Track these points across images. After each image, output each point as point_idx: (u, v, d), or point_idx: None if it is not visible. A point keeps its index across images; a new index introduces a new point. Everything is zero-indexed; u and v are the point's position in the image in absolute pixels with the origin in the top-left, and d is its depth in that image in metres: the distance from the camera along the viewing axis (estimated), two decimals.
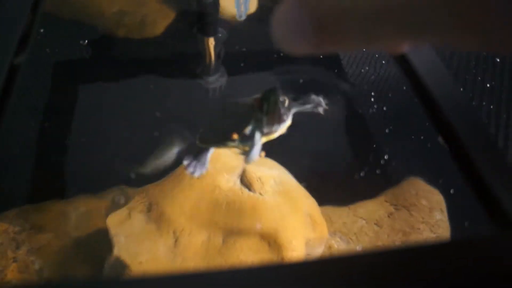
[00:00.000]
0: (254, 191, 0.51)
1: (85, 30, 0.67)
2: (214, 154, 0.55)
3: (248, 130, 0.35)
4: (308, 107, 0.38)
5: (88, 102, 0.61)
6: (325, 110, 0.38)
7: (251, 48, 0.62)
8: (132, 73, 0.63)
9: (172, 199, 0.51)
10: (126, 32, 0.70)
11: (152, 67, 0.66)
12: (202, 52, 0.60)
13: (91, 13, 0.70)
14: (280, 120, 0.35)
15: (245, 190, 0.51)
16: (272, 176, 0.53)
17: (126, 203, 0.52)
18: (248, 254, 0.47)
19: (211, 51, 0.58)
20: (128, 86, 0.64)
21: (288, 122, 0.36)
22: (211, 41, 0.58)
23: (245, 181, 0.53)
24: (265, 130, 0.35)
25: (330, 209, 0.56)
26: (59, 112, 0.60)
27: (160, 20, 0.71)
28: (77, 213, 0.54)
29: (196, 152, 0.41)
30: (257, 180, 0.52)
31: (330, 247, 0.54)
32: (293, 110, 0.36)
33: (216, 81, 0.57)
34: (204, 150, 0.41)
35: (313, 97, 0.38)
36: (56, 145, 0.59)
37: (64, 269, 0.52)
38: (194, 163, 0.41)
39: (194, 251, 0.49)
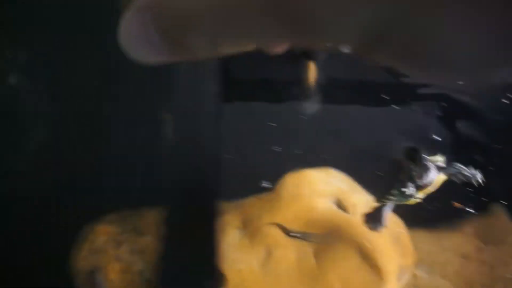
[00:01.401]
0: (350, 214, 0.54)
1: None
2: (309, 178, 0.57)
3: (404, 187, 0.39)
4: (460, 177, 0.41)
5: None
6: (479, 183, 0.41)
7: (352, 77, 0.64)
8: (231, 94, 0.66)
9: (268, 215, 0.53)
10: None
11: (250, 89, 0.68)
12: (301, 76, 0.62)
13: None
14: (427, 172, 0.39)
15: (341, 212, 0.53)
16: (365, 201, 0.55)
17: (223, 215, 0.55)
18: (347, 273, 0.49)
19: (311, 75, 0.60)
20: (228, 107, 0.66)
21: (441, 176, 0.39)
22: (312, 66, 0.59)
23: (340, 206, 0.55)
24: (419, 183, 0.39)
25: (415, 234, 0.57)
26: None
27: None
28: (176, 220, 0.57)
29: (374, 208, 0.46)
30: (352, 206, 0.54)
31: (414, 276, 0.55)
32: (445, 172, 0.40)
33: (312, 106, 0.59)
34: (381, 206, 0.46)
35: (468, 171, 0.41)
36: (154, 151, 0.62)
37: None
38: (371, 218, 0.47)
39: (288, 266, 0.51)
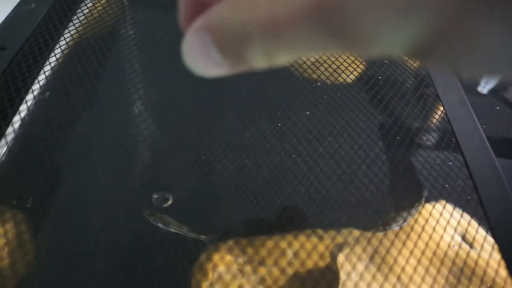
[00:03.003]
0: (476, 250, 0.52)
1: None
2: (432, 212, 0.56)
3: None
4: None
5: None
6: None
7: None
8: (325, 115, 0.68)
9: (396, 249, 0.53)
10: (322, 78, 0.76)
11: (343, 112, 0.70)
12: None
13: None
14: None
15: (472, 251, 0.52)
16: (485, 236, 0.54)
17: (351, 246, 0.56)
18: None
19: None
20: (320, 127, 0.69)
21: None
22: None
23: (466, 241, 0.54)
24: None
25: None
26: None
27: (352, 69, 0.76)
28: (293, 250, 0.59)
29: None
30: (478, 241, 0.53)
31: None
32: None
33: None
34: None
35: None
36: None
37: None
38: None
39: None
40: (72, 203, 0.61)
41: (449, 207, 0.58)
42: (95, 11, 0.83)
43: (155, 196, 0.61)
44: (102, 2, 0.85)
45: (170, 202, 0.61)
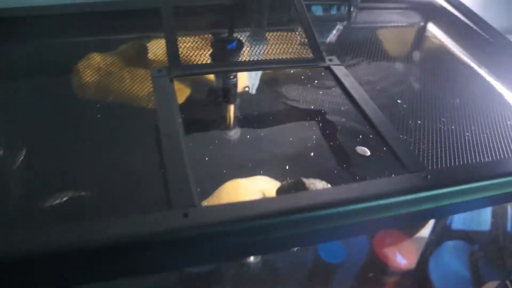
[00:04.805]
0: None
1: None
2: (242, 183, 0.82)
3: None
4: None
5: None
6: None
7: (259, 112, 0.93)
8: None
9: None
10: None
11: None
12: (223, 116, 0.89)
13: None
14: None
15: None
16: None
17: None
18: None
19: (231, 114, 0.88)
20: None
21: None
22: (232, 107, 0.89)
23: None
24: None
25: None
26: None
27: (179, 95, 1.00)
28: None
29: None
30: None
31: None
32: None
33: (235, 134, 0.86)
34: None
35: None
36: None
37: None
38: None
39: None
40: None
41: (260, 177, 0.84)
42: None
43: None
44: None
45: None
